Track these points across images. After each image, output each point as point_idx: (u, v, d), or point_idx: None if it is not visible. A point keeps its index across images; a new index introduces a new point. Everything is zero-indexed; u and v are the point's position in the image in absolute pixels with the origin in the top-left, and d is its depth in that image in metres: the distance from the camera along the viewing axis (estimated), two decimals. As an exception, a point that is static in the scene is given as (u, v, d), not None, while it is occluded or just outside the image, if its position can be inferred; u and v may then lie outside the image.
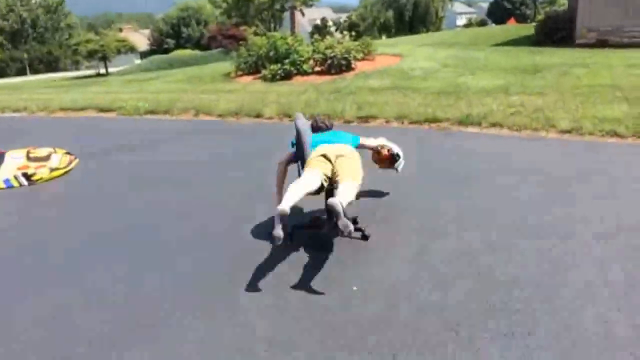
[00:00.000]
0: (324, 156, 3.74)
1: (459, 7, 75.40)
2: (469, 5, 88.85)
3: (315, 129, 4.23)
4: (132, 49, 30.88)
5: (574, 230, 3.90)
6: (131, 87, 15.44)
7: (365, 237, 3.92)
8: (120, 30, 52.05)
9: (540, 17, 19.60)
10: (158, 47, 52.63)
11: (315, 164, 3.71)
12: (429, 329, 2.81)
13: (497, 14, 59.05)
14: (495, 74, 10.88)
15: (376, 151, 4.35)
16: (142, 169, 6.64)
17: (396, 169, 4.37)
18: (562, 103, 8.07)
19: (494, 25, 46.70)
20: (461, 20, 69.45)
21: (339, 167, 3.67)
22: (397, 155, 4.32)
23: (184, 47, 45.20)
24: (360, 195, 4.52)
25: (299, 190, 3.46)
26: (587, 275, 3.25)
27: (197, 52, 32.46)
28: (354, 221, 4.20)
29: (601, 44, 13.68)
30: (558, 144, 6.60)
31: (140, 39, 54.39)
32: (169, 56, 30.93)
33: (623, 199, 4.50)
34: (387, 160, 4.36)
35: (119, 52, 28.12)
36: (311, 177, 3.61)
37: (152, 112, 11.00)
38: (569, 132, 6.92)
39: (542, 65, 11.38)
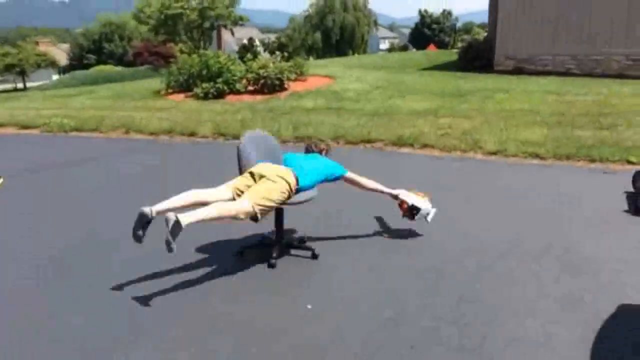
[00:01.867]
0: (251, 174, 3.71)
1: (382, 31, 77.89)
2: (391, 30, 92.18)
3: (306, 150, 4.45)
4: (52, 64, 29.56)
5: (510, 248, 4.12)
6: (54, 103, 14.74)
7: (315, 256, 3.95)
8: (37, 44, 49.81)
9: (459, 44, 20.62)
10: (78, 63, 50.84)
11: (238, 178, 3.73)
12: (386, 345, 2.87)
13: (418, 40, 61.66)
14: (424, 97, 11.32)
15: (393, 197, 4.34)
16: (68, 190, 6.35)
17: (425, 219, 4.26)
18: (487, 126, 8.51)
19: (414, 50, 48.66)
20: (384, 45, 71.80)
21: (253, 186, 3.63)
22: (415, 207, 4.21)
23: (106, 63, 43.89)
24: (309, 214, 4.57)
25: (190, 196, 3.46)
26: (527, 290, 3.44)
27: (123, 69, 31.55)
28: (302, 240, 4.25)
29: (518, 71, 14.58)
30: (485, 164, 6.95)
31: (59, 54, 52.25)
32: (93, 72, 29.84)
33: (549, 218, 4.81)
34: (406, 212, 4.29)
35: (38, 66, 26.85)
36: (220, 188, 3.62)
37: (78, 129, 10.54)
38: (495, 153, 7.31)
39: (466, 89, 11.96)
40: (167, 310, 3.28)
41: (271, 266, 3.83)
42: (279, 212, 4.00)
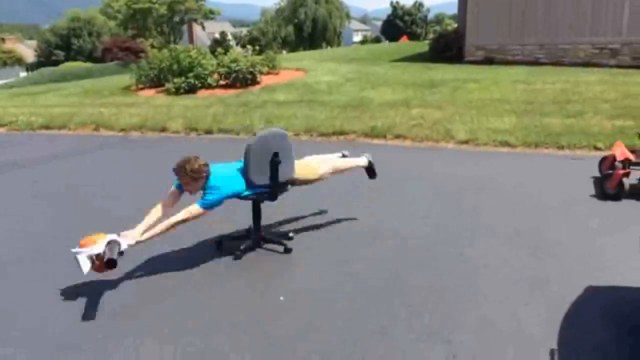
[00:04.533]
0: None
1: (354, 24, 77.96)
2: (364, 22, 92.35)
3: None
4: (19, 61, 28.89)
5: (479, 234, 4.18)
6: (21, 101, 14.40)
7: (287, 250, 3.95)
8: (3, 40, 48.62)
9: (430, 35, 20.74)
10: (46, 59, 49.63)
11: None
12: (358, 333, 2.89)
13: (390, 32, 61.78)
14: (396, 88, 11.36)
15: None
16: (37, 187, 6.23)
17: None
18: (458, 116, 8.59)
19: (387, 42, 48.81)
20: (357, 37, 71.89)
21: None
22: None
23: (75, 59, 43.09)
24: (279, 208, 4.58)
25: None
26: (495, 275, 3.50)
27: (92, 65, 30.99)
28: (285, 236, 4.19)
29: (488, 61, 14.71)
30: (457, 153, 7.03)
31: (26, 51, 51.03)
32: (61, 68, 29.27)
33: (518, 204, 4.89)
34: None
35: (4, 64, 26.22)
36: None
37: (47, 127, 10.34)
38: (466, 142, 7.39)
39: (437, 80, 12.03)
40: (133, 307, 3.26)
41: (237, 258, 3.86)
42: (256, 206, 3.99)
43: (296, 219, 4.65)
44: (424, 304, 3.15)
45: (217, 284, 3.54)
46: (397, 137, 7.85)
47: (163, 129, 9.38)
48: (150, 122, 9.70)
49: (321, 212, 4.77)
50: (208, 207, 3.54)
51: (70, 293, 3.45)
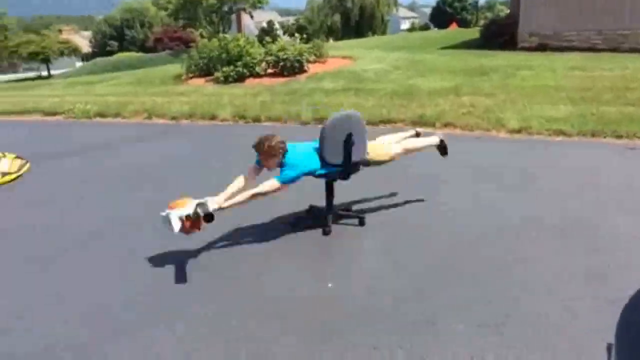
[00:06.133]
0: None
1: (402, 11, 76.86)
2: (412, 10, 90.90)
3: None
4: (75, 51, 29.90)
5: (533, 225, 4.07)
6: (77, 90, 14.95)
7: (362, 223, 4.20)
8: (60, 31, 50.35)
9: (481, 22, 20.21)
10: (100, 50, 51.15)
11: None
12: (407, 321, 2.86)
13: (439, 19, 60.68)
14: (445, 76, 11.16)
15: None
16: (100, 173, 6.44)
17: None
18: (510, 103, 8.37)
19: (436, 29, 47.92)
20: (405, 25, 70.88)
21: None
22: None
23: (128, 50, 44.17)
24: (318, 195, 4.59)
25: None
26: (550, 267, 3.39)
27: (144, 55, 31.73)
28: (347, 209, 4.48)
29: (542, 47, 14.25)
30: (508, 142, 6.85)
31: (81, 41, 52.72)
32: (115, 58, 30.09)
33: (574, 195, 4.72)
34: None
35: (61, 54, 27.18)
36: None
37: (101, 115, 10.71)
38: (518, 131, 7.20)
39: (488, 67, 11.73)
40: (184, 291, 3.34)
41: (326, 234, 4.05)
42: (329, 186, 4.18)
43: (357, 201, 4.65)
44: (472, 295, 3.09)
45: (267, 268, 3.58)
46: (446, 125, 7.71)
47: (212, 117, 9.54)
48: (200, 110, 9.88)
49: (362, 198, 4.76)
50: (285, 181, 3.73)
51: (129, 269, 3.56)
